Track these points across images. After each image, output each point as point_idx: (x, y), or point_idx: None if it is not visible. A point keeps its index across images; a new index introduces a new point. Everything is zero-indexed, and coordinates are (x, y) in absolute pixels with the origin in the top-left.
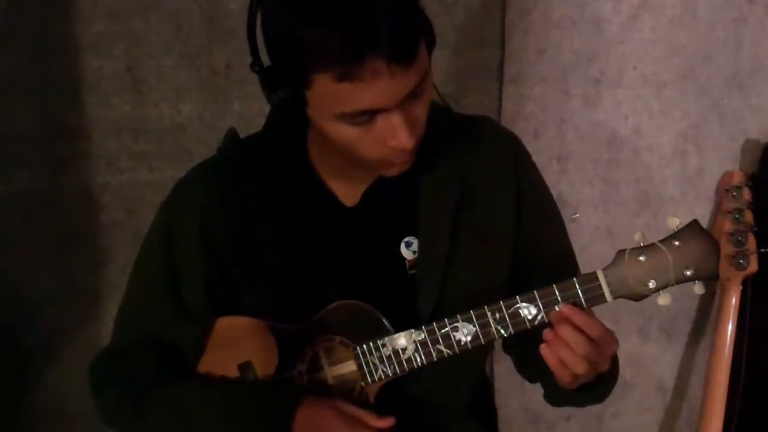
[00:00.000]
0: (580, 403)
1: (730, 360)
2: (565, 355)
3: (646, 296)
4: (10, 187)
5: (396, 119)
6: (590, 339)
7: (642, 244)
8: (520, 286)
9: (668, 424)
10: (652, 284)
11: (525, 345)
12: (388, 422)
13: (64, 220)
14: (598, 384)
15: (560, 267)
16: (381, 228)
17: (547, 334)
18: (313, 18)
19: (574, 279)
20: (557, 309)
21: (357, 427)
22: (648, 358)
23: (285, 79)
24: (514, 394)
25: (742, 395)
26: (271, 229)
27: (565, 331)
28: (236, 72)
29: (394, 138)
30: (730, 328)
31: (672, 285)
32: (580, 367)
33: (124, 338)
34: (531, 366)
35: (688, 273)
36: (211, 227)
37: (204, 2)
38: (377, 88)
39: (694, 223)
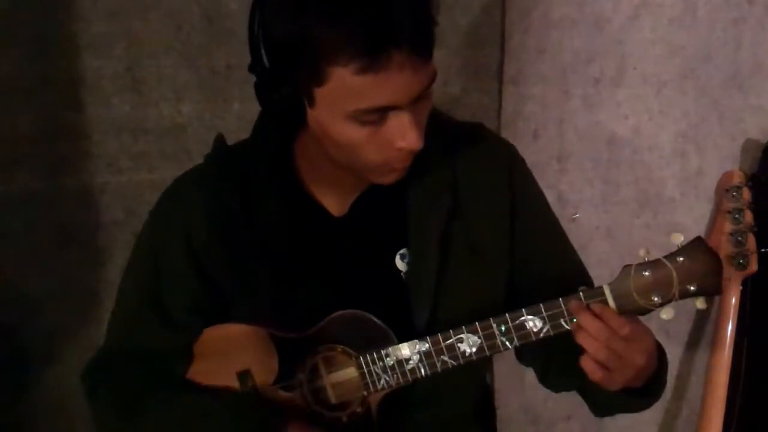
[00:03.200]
0: (628, 407)
1: (730, 360)
2: (589, 344)
3: (650, 311)
4: (10, 187)
5: (407, 119)
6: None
7: (647, 260)
8: (526, 302)
9: (668, 424)
10: (656, 299)
11: (551, 356)
12: None
13: (64, 220)
14: (645, 388)
15: (567, 279)
16: (372, 239)
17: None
18: (332, 12)
19: (581, 293)
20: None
21: None
22: None
23: (291, 79)
24: (514, 394)
25: (742, 395)
26: (258, 241)
27: (587, 322)
28: (236, 72)
29: (403, 139)
30: (730, 328)
31: (676, 300)
32: (601, 354)
33: (114, 346)
34: (560, 376)
35: (692, 289)
36: (197, 239)
37: (204, 2)
38: (398, 81)
39: (698, 240)
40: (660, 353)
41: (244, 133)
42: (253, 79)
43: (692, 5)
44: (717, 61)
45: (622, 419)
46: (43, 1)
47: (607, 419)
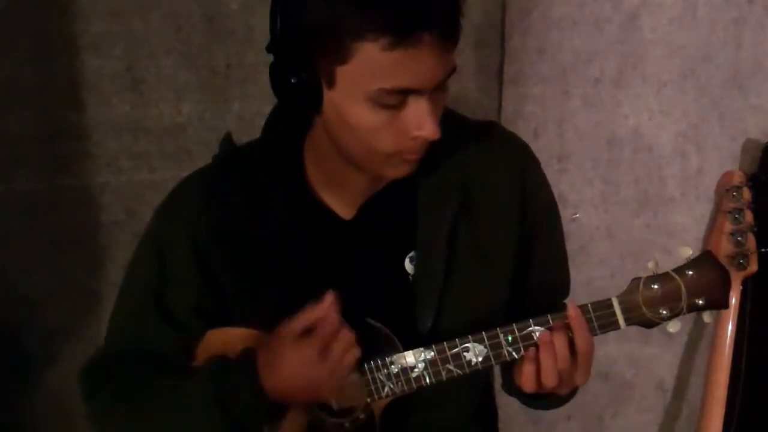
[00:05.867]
0: (529, 405)
1: (730, 360)
2: (547, 362)
3: (658, 324)
4: (10, 187)
5: (426, 107)
6: (574, 357)
7: (656, 273)
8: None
9: (668, 424)
10: (664, 312)
11: None
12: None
13: (64, 220)
14: (547, 400)
15: (553, 293)
16: (381, 242)
17: (543, 336)
18: None
19: (589, 305)
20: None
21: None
22: (648, 358)
23: (312, 57)
24: None
25: (742, 395)
26: (266, 243)
27: (560, 341)
28: (236, 72)
29: (420, 127)
30: (730, 328)
31: (684, 314)
32: (550, 379)
33: (115, 345)
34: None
35: (700, 302)
36: (203, 240)
37: (204, 2)
38: (425, 63)
39: (707, 254)
40: None
41: (244, 134)
42: (253, 78)
43: (692, 5)
44: (717, 61)
45: (622, 419)
46: (43, 1)
47: (606, 419)
